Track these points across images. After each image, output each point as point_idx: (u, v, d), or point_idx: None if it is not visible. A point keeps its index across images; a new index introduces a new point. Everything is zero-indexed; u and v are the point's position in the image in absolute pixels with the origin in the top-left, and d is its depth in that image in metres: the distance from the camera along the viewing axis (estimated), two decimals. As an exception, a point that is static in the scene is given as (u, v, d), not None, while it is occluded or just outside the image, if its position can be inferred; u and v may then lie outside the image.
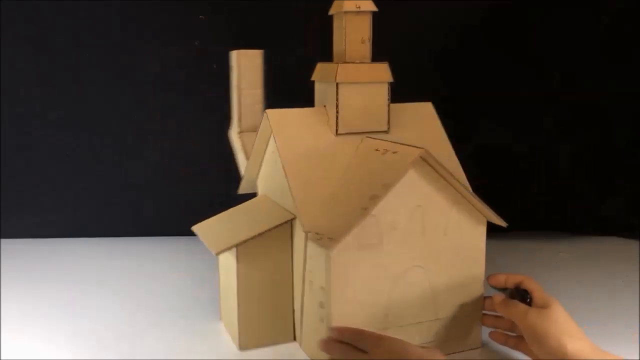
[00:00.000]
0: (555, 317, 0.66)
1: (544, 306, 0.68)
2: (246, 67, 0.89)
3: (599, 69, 1.15)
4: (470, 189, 0.72)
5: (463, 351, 0.77)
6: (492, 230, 1.21)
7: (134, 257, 1.14)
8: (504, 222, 0.75)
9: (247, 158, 0.88)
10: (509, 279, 0.73)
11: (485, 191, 1.15)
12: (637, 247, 1.17)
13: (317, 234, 0.69)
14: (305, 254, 0.74)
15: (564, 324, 0.65)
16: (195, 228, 0.84)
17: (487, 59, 1.17)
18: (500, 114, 1.19)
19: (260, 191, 0.90)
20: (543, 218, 1.26)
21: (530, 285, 0.71)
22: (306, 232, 0.71)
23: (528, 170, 1.23)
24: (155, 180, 1.22)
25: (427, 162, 0.70)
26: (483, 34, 1.17)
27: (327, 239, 0.67)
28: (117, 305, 0.92)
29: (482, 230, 0.76)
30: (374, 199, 0.67)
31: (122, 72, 1.17)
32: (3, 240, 1.24)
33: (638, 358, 0.73)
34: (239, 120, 0.91)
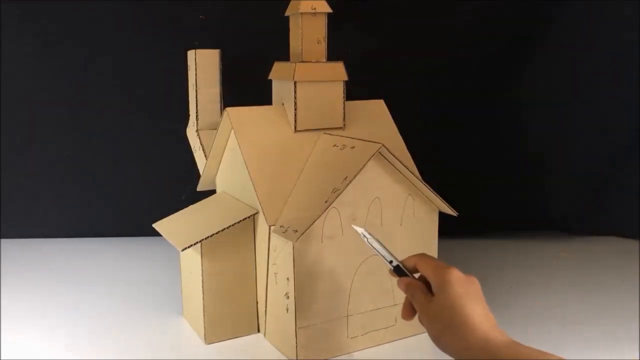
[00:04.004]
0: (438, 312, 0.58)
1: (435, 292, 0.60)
2: (203, 66, 0.91)
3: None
4: (422, 180, 0.77)
5: (419, 334, 0.81)
6: (493, 231, 1.27)
7: (129, 256, 1.15)
8: (454, 212, 0.79)
9: (206, 156, 0.90)
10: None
11: (485, 191, 1.21)
12: (637, 247, 1.18)
13: (281, 226, 0.72)
14: (269, 247, 0.76)
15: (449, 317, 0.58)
16: (156, 225, 0.85)
17: (489, 58, 1.18)
18: (500, 113, 1.21)
19: (219, 188, 0.91)
20: (543, 218, 1.26)
21: (421, 266, 0.62)
22: (270, 226, 0.74)
23: (528, 170, 1.23)
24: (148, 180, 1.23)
25: (384, 157, 0.74)
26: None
27: (291, 231, 0.70)
28: (104, 303, 0.93)
29: (435, 219, 0.80)
30: (335, 192, 0.70)
31: (122, 72, 1.16)
32: (3, 240, 1.22)
33: (638, 358, 0.75)
34: (197, 118, 0.92)
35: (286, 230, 0.71)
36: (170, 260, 1.06)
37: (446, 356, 0.76)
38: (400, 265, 0.63)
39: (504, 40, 1.17)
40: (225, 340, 0.80)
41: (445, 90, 1.19)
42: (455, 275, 0.59)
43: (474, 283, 0.60)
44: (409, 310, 0.63)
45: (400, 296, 0.78)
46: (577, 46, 1.17)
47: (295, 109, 0.80)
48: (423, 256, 0.63)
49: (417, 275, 0.63)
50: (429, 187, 0.76)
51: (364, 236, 0.65)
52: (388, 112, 0.88)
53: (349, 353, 0.77)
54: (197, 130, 0.92)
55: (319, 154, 0.78)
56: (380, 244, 0.65)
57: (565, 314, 0.88)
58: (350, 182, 0.70)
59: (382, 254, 0.64)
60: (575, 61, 1.18)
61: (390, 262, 0.64)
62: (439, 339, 0.58)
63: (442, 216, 0.81)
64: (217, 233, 0.76)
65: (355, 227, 0.66)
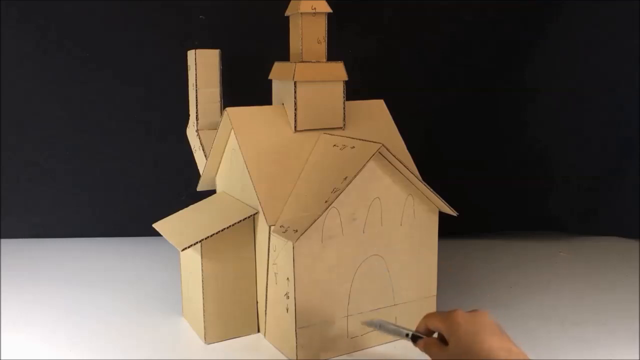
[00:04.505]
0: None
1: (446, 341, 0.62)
2: (203, 66, 0.91)
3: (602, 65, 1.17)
4: (422, 180, 0.76)
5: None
6: (493, 231, 1.27)
7: (129, 256, 1.15)
8: (454, 212, 0.79)
9: (206, 156, 0.90)
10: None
11: (485, 191, 1.21)
12: (637, 247, 1.18)
13: (281, 226, 0.72)
14: (269, 247, 0.76)
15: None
16: (156, 225, 0.85)
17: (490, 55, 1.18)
18: (500, 114, 1.21)
19: (219, 188, 0.91)
20: (543, 218, 1.26)
21: (430, 322, 0.65)
22: (270, 226, 0.74)
23: (529, 170, 1.23)
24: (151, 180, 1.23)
25: (384, 157, 0.74)
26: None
27: (291, 231, 0.70)
28: (104, 303, 0.93)
29: (435, 219, 0.80)
30: (335, 192, 0.70)
31: (121, 72, 1.16)
32: (3, 241, 1.23)
33: (638, 358, 0.75)
34: (197, 118, 0.92)
35: (286, 230, 0.71)
36: (170, 260, 1.07)
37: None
38: (415, 332, 0.67)
39: (504, 41, 1.17)
40: (225, 340, 0.80)
41: (445, 90, 1.19)
42: (460, 317, 0.61)
43: (482, 316, 0.61)
44: None
45: (401, 296, 0.79)
46: (576, 47, 1.17)
47: (295, 109, 0.80)
48: (428, 315, 0.66)
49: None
50: (429, 187, 0.76)
51: (378, 325, 0.71)
52: (388, 112, 0.88)
53: (349, 353, 0.77)
54: (197, 130, 0.92)
55: (319, 154, 0.78)
56: (392, 324, 0.71)
57: (565, 314, 0.88)
58: (350, 182, 0.70)
59: (397, 332, 0.69)
60: (576, 62, 1.18)
61: (406, 335, 0.68)
62: None
63: (442, 216, 0.81)
64: (217, 233, 0.76)
65: (366, 324, 0.72)
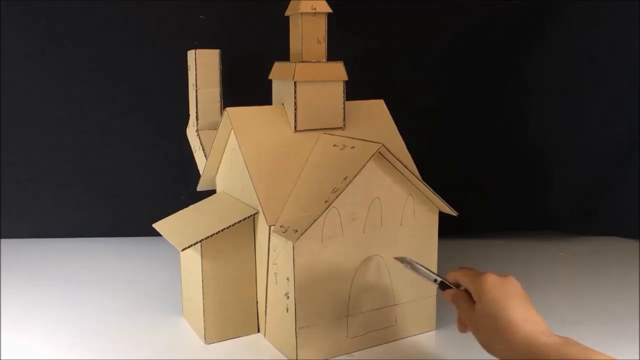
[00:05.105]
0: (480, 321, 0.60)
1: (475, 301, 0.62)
2: (203, 66, 0.91)
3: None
4: (422, 180, 0.76)
5: (419, 334, 0.81)
6: (493, 231, 1.27)
7: (130, 256, 1.15)
8: (455, 212, 0.79)
9: (206, 156, 0.90)
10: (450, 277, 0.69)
11: (485, 191, 1.21)
12: (637, 247, 1.18)
13: (281, 226, 0.72)
14: (269, 247, 0.76)
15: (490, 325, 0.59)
16: (156, 225, 0.85)
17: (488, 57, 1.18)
18: (500, 114, 1.21)
19: (219, 188, 0.91)
20: (543, 218, 1.26)
21: (460, 278, 0.66)
22: (270, 226, 0.74)
23: (529, 170, 1.23)
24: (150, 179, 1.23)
25: (384, 157, 0.74)
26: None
27: (291, 231, 0.70)
28: (104, 303, 0.93)
29: (435, 219, 0.80)
30: (335, 192, 0.70)
31: (122, 72, 1.16)
32: (3, 241, 1.23)
33: (638, 358, 0.75)
34: (197, 118, 0.92)
35: (286, 230, 0.71)
36: (170, 260, 1.06)
37: (445, 357, 0.77)
38: (444, 280, 0.68)
39: (504, 41, 1.17)
40: (225, 340, 0.80)
41: (445, 91, 1.19)
42: (490, 281, 0.60)
43: (512, 284, 0.60)
44: (463, 322, 0.65)
45: (401, 296, 0.79)
46: (576, 47, 1.17)
47: (295, 109, 0.80)
48: (461, 269, 0.66)
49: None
50: (429, 187, 0.76)
51: (409, 263, 0.71)
52: (388, 112, 0.88)
53: (349, 353, 0.77)
54: (197, 130, 0.93)
55: (319, 154, 0.78)
56: (422, 266, 0.71)
57: (565, 314, 0.88)
58: (350, 182, 0.70)
59: (425, 275, 0.70)
60: (576, 62, 1.17)
61: (435, 280, 0.69)
62: (487, 346, 0.59)
63: (443, 216, 0.81)
64: (217, 233, 0.76)
65: (397, 259, 0.73)
